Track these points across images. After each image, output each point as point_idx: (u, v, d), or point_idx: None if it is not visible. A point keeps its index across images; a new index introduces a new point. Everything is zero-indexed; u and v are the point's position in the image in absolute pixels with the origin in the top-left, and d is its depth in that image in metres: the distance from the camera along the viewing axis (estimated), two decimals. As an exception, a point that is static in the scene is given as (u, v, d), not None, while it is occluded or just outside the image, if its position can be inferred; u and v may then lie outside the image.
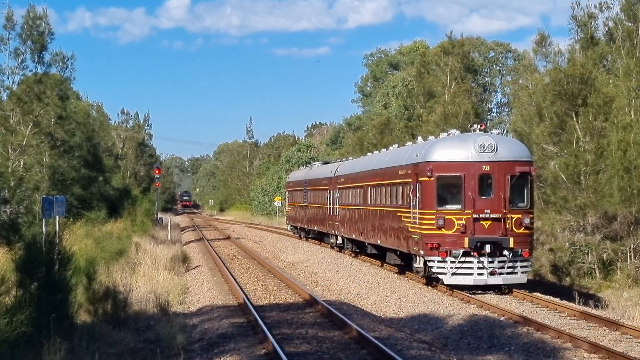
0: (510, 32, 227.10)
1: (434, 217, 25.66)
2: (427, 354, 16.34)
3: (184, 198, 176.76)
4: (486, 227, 25.35)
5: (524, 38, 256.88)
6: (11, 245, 15.99)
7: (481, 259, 25.10)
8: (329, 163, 52.40)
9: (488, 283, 25.29)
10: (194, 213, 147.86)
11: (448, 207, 25.76)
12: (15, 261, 15.81)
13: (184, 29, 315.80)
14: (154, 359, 16.39)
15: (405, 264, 30.18)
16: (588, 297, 28.86)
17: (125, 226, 45.64)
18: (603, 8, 43.57)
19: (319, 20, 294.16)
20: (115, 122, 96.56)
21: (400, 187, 29.08)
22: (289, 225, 59.99)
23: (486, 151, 25.68)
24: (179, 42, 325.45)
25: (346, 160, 46.39)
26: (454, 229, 25.40)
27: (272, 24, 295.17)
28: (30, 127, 36.28)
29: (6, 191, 33.14)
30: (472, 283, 25.28)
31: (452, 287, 25.65)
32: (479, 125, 27.86)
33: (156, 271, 30.51)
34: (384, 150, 38.33)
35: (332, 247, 43.66)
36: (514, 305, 23.48)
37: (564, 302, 24.19)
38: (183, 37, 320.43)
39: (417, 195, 26.68)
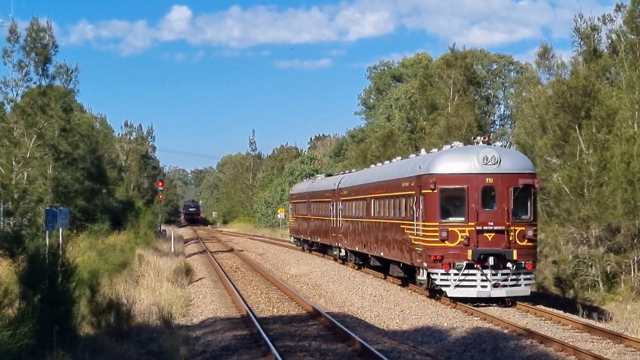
0: (512, 44, 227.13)
1: (437, 229, 25.65)
2: (431, 367, 16.31)
3: (190, 210, 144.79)
4: (489, 239, 25.34)
5: (525, 50, 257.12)
6: (14, 257, 16.00)
7: (484, 271, 25.07)
8: (332, 175, 52.44)
9: (491, 295, 25.25)
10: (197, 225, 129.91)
11: (451, 219, 25.75)
12: (19, 273, 15.82)
13: (186, 42, 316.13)
14: (156, 371, 16.38)
15: (408, 277, 30.13)
16: (592, 310, 28.80)
17: (129, 238, 45.64)
18: (606, 21, 43.66)
19: (320, 33, 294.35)
20: (118, 135, 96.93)
21: (404, 200, 29.08)
22: (292, 238, 59.96)
23: (489, 163, 25.69)
24: (180, 54, 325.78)
25: (349, 172, 46.41)
26: (458, 241, 25.39)
27: (273, 36, 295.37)
28: (34, 139, 36.35)
29: (10, 203, 33.17)
30: (475, 295, 25.24)
31: (456, 300, 25.61)
32: (482, 138, 27.87)
33: (159, 283, 30.50)
34: (387, 162, 38.33)
35: (335, 260, 43.62)
36: (518, 317, 23.44)
37: (568, 314, 24.15)
38: (185, 50, 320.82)
39: (421, 207, 26.67)
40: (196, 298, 29.40)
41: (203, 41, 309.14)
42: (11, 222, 32.90)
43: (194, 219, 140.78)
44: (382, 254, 32.44)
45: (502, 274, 25.15)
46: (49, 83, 37.09)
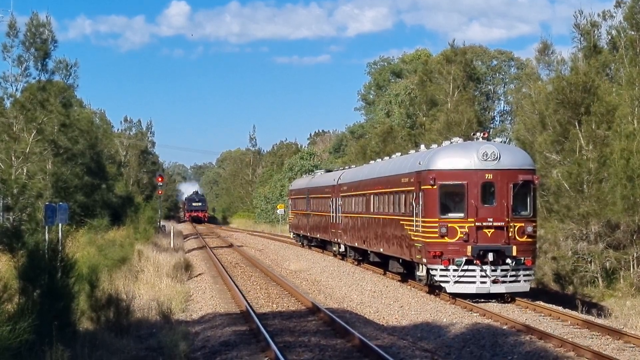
0: (511, 40, 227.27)
1: (436, 225, 25.65)
2: (430, 363, 16.31)
3: (194, 205, 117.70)
4: (489, 235, 25.34)
5: (524, 46, 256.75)
6: (14, 253, 15.98)
7: (484, 267, 25.08)
8: (331, 171, 52.44)
9: (491, 291, 25.26)
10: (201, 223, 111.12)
11: (451, 215, 25.75)
12: (18, 268, 15.81)
13: (184, 37, 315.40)
14: (156, 366, 16.38)
15: (407, 272, 30.16)
16: (591, 306, 28.82)
17: (128, 234, 45.61)
18: (606, 17, 43.67)
19: (319, 29, 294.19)
20: (118, 130, 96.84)
21: (403, 195, 29.07)
22: (292, 233, 59.99)
23: (489, 159, 25.69)
24: (179, 50, 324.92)
25: (349, 168, 46.40)
26: (457, 237, 25.39)
27: (272, 32, 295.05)
28: (33, 134, 36.33)
29: (9, 198, 33.16)
30: (474, 291, 25.25)
31: (455, 296, 25.62)
32: (481, 134, 27.87)
33: (159, 279, 30.50)
34: (386, 158, 38.33)
35: (335, 255, 43.63)
36: (517, 313, 23.45)
37: (567, 310, 24.14)
38: (183, 45, 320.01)
39: (420, 203, 26.67)
40: (195, 293, 29.41)
41: (202, 37, 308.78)
42: (11, 217, 32.88)
43: (199, 218, 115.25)
44: (381, 249, 32.45)
45: (502, 270, 25.17)
46: (48, 78, 37.07)
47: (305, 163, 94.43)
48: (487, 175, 25.66)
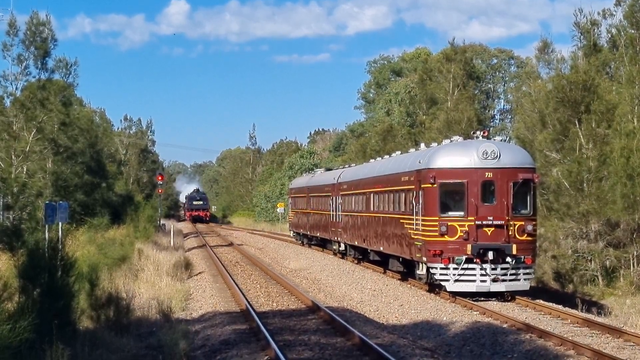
0: (510, 38, 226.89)
1: (436, 223, 25.65)
2: (430, 361, 16.31)
3: (194, 204, 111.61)
4: (489, 234, 25.34)
5: (524, 45, 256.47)
6: (14, 251, 15.98)
7: (484, 265, 25.09)
8: (331, 170, 52.43)
9: (491, 290, 25.26)
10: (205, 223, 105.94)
11: (451, 213, 25.76)
12: (18, 267, 15.81)
13: (184, 36, 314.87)
14: (156, 365, 16.38)
15: (407, 271, 30.16)
16: (591, 304, 28.83)
17: (128, 232, 45.60)
18: (606, 15, 43.68)
19: (319, 27, 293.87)
20: (118, 129, 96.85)
21: (403, 194, 29.08)
22: (292, 232, 60.00)
23: (489, 158, 25.69)
24: (179, 48, 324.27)
25: (349, 166, 46.41)
26: (457, 236, 25.39)
27: (271, 31, 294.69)
28: (33, 133, 36.34)
29: (9, 197, 33.16)
30: (474, 290, 25.26)
31: (455, 294, 25.62)
32: (481, 132, 27.86)
33: (159, 277, 30.49)
34: (386, 157, 38.33)
35: (335, 254, 43.63)
36: (517, 312, 23.45)
37: (567, 309, 24.16)
38: (183, 44, 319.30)
39: (420, 202, 26.68)
40: (195, 292, 29.40)
41: (201, 35, 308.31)
42: (11, 216, 32.89)
43: (201, 218, 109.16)
44: (381, 248, 32.45)
45: (502, 269, 25.17)
46: (48, 77, 37.15)
47: (305, 162, 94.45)
48: (487, 173, 25.67)
